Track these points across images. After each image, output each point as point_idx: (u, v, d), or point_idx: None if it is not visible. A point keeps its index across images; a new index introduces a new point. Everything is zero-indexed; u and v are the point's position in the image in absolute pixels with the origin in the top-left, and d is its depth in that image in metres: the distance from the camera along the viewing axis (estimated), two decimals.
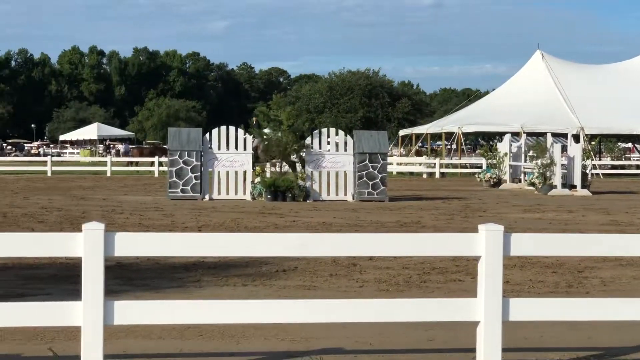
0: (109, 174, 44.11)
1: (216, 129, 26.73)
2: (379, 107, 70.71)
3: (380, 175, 26.03)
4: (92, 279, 6.04)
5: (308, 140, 26.74)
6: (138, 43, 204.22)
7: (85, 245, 6.02)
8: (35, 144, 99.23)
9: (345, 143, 26.71)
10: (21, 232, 6.43)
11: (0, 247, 6.24)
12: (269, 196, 25.22)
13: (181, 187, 25.69)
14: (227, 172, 26.15)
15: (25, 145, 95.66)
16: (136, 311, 6.32)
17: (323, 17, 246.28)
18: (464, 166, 52.49)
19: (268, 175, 26.39)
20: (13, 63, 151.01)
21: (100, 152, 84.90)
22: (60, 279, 10.86)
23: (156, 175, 44.17)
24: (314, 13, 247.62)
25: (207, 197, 25.70)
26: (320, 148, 26.52)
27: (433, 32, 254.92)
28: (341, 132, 27.42)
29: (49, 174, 43.95)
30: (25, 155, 78.97)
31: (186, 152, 25.84)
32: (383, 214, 21.33)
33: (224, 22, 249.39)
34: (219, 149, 26.23)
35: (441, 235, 6.81)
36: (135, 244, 6.34)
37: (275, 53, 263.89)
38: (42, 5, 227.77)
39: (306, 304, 6.69)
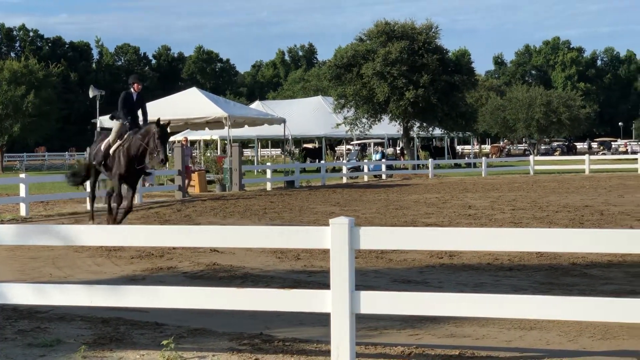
0: None
1: None
2: None
3: None
4: None
5: None
6: None
7: None
8: (622, 141, 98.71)
9: None
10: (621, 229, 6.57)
11: (616, 242, 6.35)
12: None
13: None
14: None
15: (612, 143, 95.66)
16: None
17: None
18: None
19: None
20: (599, 62, 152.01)
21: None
22: None
23: None
24: None
25: None
26: None
27: None
28: None
29: (639, 171, 43.59)
30: (612, 154, 78.98)
31: None
32: None
33: None
34: None
35: None
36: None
37: None
38: (630, 2, 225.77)
39: None
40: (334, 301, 6.53)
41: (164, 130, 16.15)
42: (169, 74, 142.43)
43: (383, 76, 50.33)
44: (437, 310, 6.65)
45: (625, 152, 78.29)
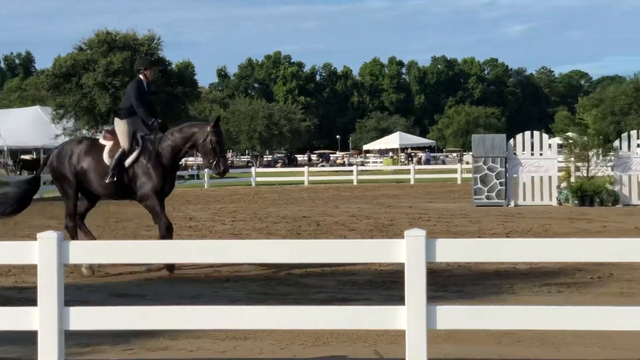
0: (412, 182, 44.84)
1: (520, 134, 26.54)
2: None
3: None
4: (415, 283, 6.20)
5: (616, 144, 25.88)
6: (436, 52, 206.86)
7: (408, 250, 6.20)
8: (340, 154, 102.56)
9: None
10: (343, 240, 6.86)
11: (329, 253, 6.56)
12: (576, 201, 24.67)
13: (486, 193, 25.71)
14: (532, 178, 25.85)
15: (330, 155, 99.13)
16: (458, 316, 6.41)
17: (629, 14, 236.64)
18: None
19: (573, 180, 25.80)
20: (318, 77, 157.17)
21: (402, 160, 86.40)
22: (375, 284, 11.22)
23: (459, 182, 44.36)
24: (619, 12, 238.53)
25: (512, 203, 25.53)
26: (629, 151, 25.62)
27: None
28: None
29: (354, 182, 45.35)
30: (331, 165, 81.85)
31: (490, 159, 25.83)
32: None
33: (521, 26, 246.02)
34: (524, 154, 26.02)
35: None
36: (453, 250, 6.44)
37: (576, 55, 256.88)
38: (343, 20, 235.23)
39: (634, 311, 6.47)
40: (41, 318, 6.30)
41: (221, 131, 13.21)
42: None
43: (104, 87, 49.52)
44: (152, 324, 6.56)
45: (343, 164, 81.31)
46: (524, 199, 25.68)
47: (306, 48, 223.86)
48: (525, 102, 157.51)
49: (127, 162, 12.80)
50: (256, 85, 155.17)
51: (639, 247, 6.23)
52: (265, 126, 76.56)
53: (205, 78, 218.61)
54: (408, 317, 6.21)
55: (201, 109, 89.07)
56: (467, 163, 52.71)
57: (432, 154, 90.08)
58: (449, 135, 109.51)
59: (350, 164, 74.15)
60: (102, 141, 13.28)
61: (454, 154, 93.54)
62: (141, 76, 13.42)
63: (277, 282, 11.49)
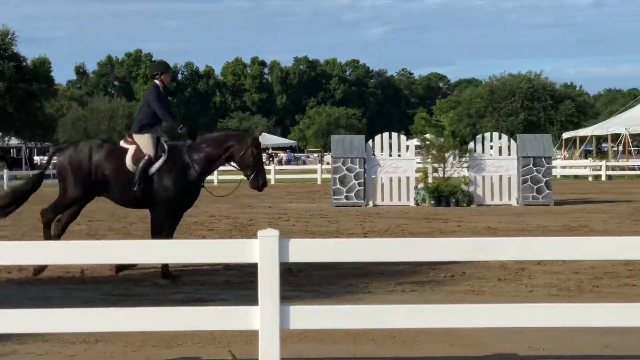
0: (272, 182, 44.89)
1: (379, 135, 26.91)
2: (541, 109, 69.42)
3: (545, 179, 25.67)
4: (268, 284, 6.20)
5: (470, 145, 26.56)
6: (298, 52, 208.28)
7: (261, 251, 6.19)
8: None
9: (509, 147, 26.36)
10: (196, 240, 6.81)
11: (180, 253, 6.50)
12: (432, 201, 25.19)
13: (345, 193, 25.97)
14: (390, 178, 26.25)
15: None
16: (312, 316, 6.44)
17: (481, 20, 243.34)
18: (632, 168, 50.90)
19: (431, 180, 26.34)
20: (180, 76, 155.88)
21: (264, 160, 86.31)
22: (232, 284, 11.18)
23: (319, 182, 44.66)
24: (473, 16, 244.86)
25: (370, 203, 25.88)
26: (483, 152, 26.34)
27: (595, 32, 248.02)
28: (504, 136, 27.08)
29: (215, 182, 45.10)
30: None
31: (349, 159, 26.10)
32: (549, 218, 20.97)
33: (382, 29, 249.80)
34: (382, 155, 26.39)
35: (611, 239, 6.65)
36: (308, 250, 6.47)
37: (434, 58, 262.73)
38: (206, 20, 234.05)
39: (488, 309, 6.63)
40: None
41: (260, 143, 12.58)
42: None
43: None
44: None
45: None
46: (382, 199, 26.05)
47: (168, 47, 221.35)
48: (385, 103, 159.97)
49: (152, 169, 12.03)
50: (116, 83, 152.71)
51: (488, 245, 6.40)
52: (125, 125, 75.39)
53: (62, 75, 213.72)
54: (261, 318, 6.20)
55: (58, 107, 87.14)
56: (328, 164, 53.18)
57: (294, 154, 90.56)
58: (310, 135, 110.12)
59: None
60: (123, 144, 12.38)
61: (315, 155, 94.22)
62: (157, 81, 12.65)
63: (132, 283, 11.32)
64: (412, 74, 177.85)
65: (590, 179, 47.95)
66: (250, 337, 7.51)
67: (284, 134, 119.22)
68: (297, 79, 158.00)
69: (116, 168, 12.08)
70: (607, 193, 32.47)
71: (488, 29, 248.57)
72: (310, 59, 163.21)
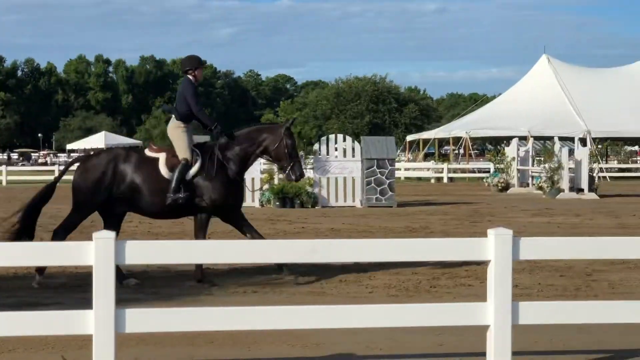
0: None
1: None
2: (386, 112, 70.81)
3: (388, 181, 26.08)
4: (103, 287, 6.07)
5: (316, 147, 26.78)
6: (144, 51, 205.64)
7: (97, 253, 6.06)
8: (42, 153, 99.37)
9: (353, 149, 26.72)
10: (31, 242, 6.63)
11: (13, 256, 6.31)
12: (277, 203, 25.28)
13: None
14: None
15: (32, 154, 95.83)
16: (148, 319, 6.35)
17: (328, 23, 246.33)
18: (472, 171, 52.47)
19: (276, 182, 26.42)
20: (20, 73, 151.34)
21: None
22: (70, 287, 10.93)
23: None
24: (319, 20, 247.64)
25: None
26: (328, 154, 26.59)
27: (438, 37, 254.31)
28: (349, 138, 27.44)
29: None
30: (32, 165, 79.09)
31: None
32: (391, 219, 21.35)
33: (230, 30, 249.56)
34: None
35: (451, 240, 6.84)
36: (145, 252, 6.38)
37: (282, 60, 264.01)
38: (48, 15, 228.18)
39: (325, 310, 6.69)
40: None
41: (293, 133, 12.08)
42: None
43: None
44: None
45: (45, 164, 78.80)
46: None
47: (7, 42, 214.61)
48: (232, 104, 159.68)
49: (190, 173, 11.38)
50: None
51: (325, 247, 6.46)
52: None
53: None
54: (96, 322, 6.08)
55: None
56: None
57: None
58: (156, 135, 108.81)
59: (52, 163, 71.91)
60: (149, 153, 11.66)
61: None
62: (190, 77, 12.29)
63: None
64: (260, 75, 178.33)
65: (432, 181, 49.14)
66: (85, 342, 7.33)
67: (130, 134, 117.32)
68: (143, 78, 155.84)
69: (147, 177, 11.37)
70: (449, 195, 33.34)
71: (335, 32, 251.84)
72: (157, 59, 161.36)
